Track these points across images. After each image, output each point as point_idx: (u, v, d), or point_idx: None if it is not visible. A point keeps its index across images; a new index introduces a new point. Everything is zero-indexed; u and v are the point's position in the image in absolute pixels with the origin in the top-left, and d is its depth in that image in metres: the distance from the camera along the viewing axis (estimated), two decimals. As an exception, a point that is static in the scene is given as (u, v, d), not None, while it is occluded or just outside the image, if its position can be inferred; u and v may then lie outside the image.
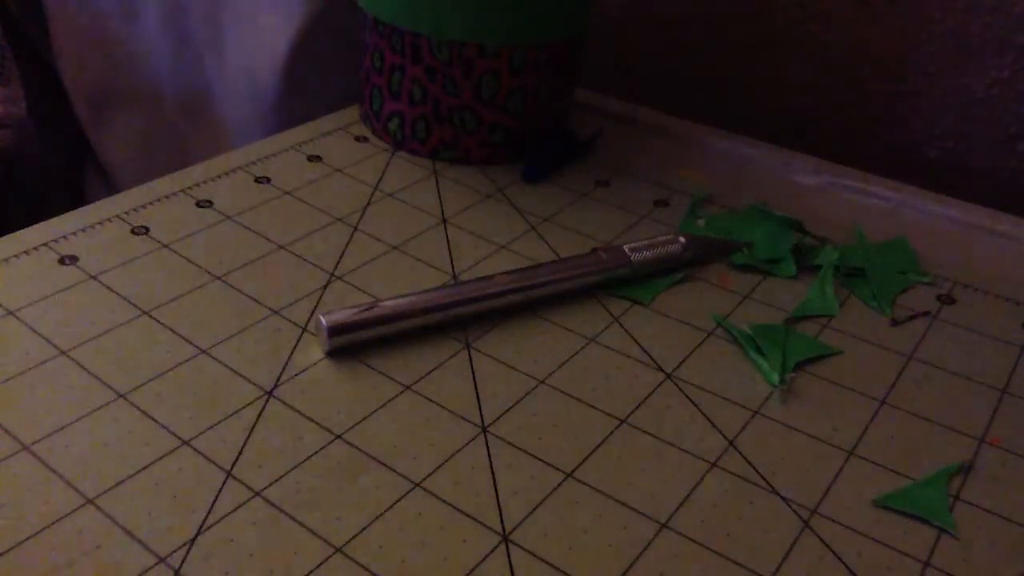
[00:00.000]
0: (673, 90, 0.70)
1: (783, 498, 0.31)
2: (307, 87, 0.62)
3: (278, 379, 0.34)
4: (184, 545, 0.27)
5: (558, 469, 0.32)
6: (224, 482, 0.30)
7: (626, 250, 0.42)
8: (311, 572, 0.27)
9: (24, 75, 0.73)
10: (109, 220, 0.42)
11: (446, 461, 0.31)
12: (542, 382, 0.36)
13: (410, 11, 0.47)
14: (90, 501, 0.28)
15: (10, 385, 0.33)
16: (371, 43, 0.51)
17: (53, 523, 0.28)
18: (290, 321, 0.37)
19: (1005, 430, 0.35)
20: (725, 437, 0.34)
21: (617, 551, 0.29)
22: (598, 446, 0.33)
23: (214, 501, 0.29)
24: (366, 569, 0.27)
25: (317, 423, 0.32)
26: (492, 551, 0.28)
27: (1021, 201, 0.55)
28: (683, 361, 0.37)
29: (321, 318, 0.35)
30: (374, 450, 0.31)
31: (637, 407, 0.35)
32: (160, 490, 0.29)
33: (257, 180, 0.47)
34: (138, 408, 0.32)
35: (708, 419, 0.34)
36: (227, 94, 0.64)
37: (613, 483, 0.31)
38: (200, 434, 0.31)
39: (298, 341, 0.36)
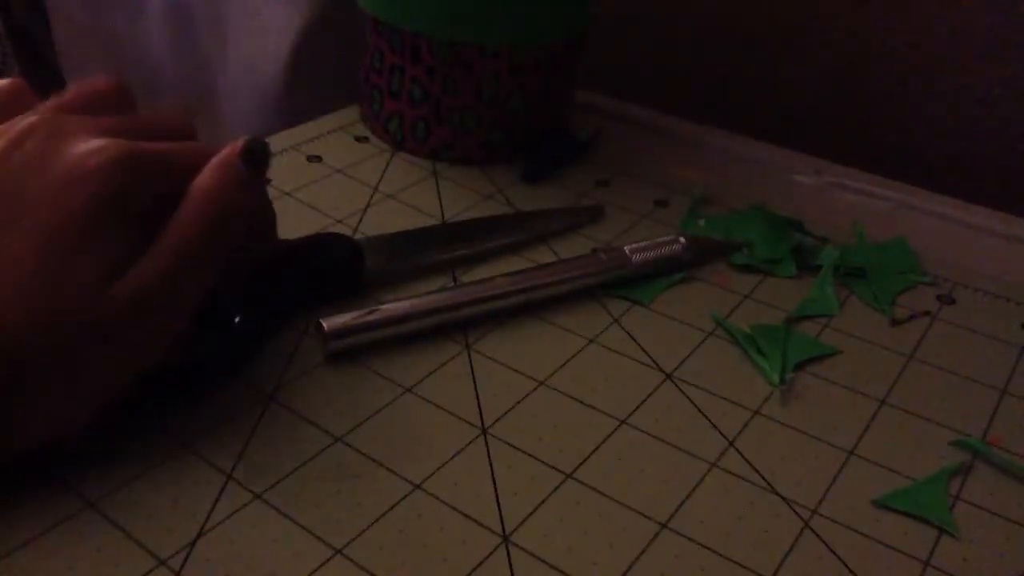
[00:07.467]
0: (673, 90, 0.70)
1: (783, 498, 0.31)
2: (309, 86, 0.62)
3: (278, 382, 0.34)
4: (185, 548, 0.27)
5: (558, 469, 0.32)
6: (224, 485, 0.30)
7: (626, 250, 0.41)
8: (312, 574, 0.27)
9: (24, 75, 0.73)
10: (110, 221, 0.42)
11: (446, 463, 0.31)
12: (542, 383, 0.36)
13: (410, 11, 0.47)
14: (91, 504, 0.28)
15: (11, 387, 0.33)
16: (371, 43, 0.51)
17: (55, 526, 0.28)
18: (290, 323, 0.37)
19: (1005, 430, 0.35)
20: (725, 437, 0.34)
21: (617, 551, 0.29)
22: (598, 446, 0.33)
23: (214, 504, 0.29)
24: (366, 571, 0.27)
25: (317, 426, 0.32)
26: (492, 552, 0.28)
27: (1021, 201, 0.55)
28: (683, 361, 0.37)
29: (321, 321, 0.35)
30: (374, 452, 0.32)
31: (637, 407, 0.35)
32: (160, 493, 0.29)
33: (257, 181, 0.47)
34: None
35: (708, 419, 0.34)
36: (230, 93, 0.64)
37: (613, 483, 0.31)
38: (200, 436, 0.31)
39: (298, 344, 0.36)
